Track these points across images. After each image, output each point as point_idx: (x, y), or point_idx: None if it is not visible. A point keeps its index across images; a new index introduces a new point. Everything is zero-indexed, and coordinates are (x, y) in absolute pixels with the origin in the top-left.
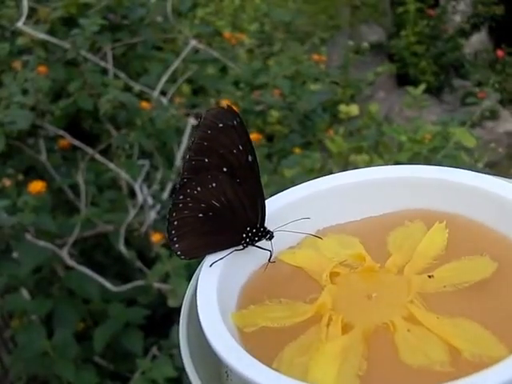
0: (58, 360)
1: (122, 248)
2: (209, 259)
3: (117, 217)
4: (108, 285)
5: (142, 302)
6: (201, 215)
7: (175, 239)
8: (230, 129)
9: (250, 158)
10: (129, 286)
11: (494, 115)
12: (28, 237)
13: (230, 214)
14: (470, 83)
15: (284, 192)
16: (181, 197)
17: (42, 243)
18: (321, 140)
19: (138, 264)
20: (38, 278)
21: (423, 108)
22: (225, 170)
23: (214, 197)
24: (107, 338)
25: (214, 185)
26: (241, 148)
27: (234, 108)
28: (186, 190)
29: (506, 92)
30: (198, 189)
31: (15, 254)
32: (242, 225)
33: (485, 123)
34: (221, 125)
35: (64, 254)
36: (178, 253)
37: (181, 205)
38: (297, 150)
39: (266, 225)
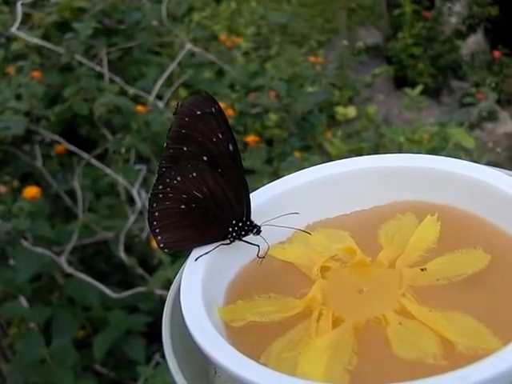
0: (56, 368)
1: (122, 255)
2: (194, 253)
3: (116, 223)
4: (108, 292)
5: (143, 308)
6: (183, 207)
7: (157, 231)
8: (209, 116)
9: (230, 147)
10: (129, 292)
11: (492, 116)
12: (25, 244)
13: (213, 206)
14: (467, 84)
15: (270, 184)
16: (160, 187)
17: (39, 250)
18: (320, 143)
19: (140, 271)
20: (36, 285)
21: (422, 110)
22: (205, 158)
23: (196, 187)
24: (108, 345)
25: (194, 174)
26: (220, 136)
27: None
28: (165, 179)
29: (504, 93)
30: (178, 178)
31: (12, 261)
32: (228, 218)
33: (484, 125)
34: (199, 112)
35: (62, 261)
36: (161, 245)
37: (161, 195)
38: (296, 154)
39: (252, 218)
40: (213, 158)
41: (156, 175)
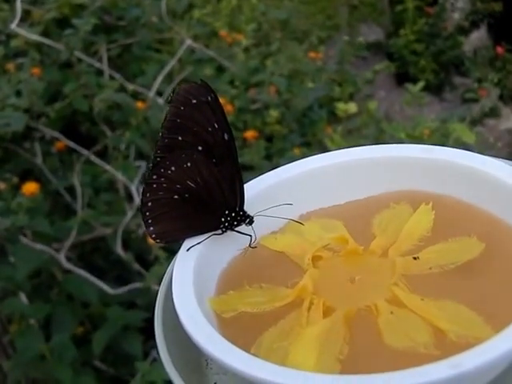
0: (55, 364)
1: (120, 250)
2: (186, 244)
3: (114, 219)
4: (106, 287)
5: (141, 304)
6: (176, 197)
7: (150, 221)
8: (204, 105)
9: (225, 137)
10: (127, 288)
11: (494, 112)
12: (24, 240)
13: (206, 196)
14: (470, 81)
15: (264, 175)
16: (154, 176)
17: (38, 246)
18: (320, 140)
19: (136, 266)
20: (36, 281)
21: (423, 106)
22: (200, 148)
23: (190, 177)
24: (106, 341)
25: (188, 164)
26: (216, 126)
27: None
28: (159, 169)
29: (507, 89)
30: (172, 168)
31: (12, 258)
32: (220, 208)
33: (486, 121)
34: (194, 101)
35: (61, 257)
36: (153, 236)
37: (155, 185)
38: (296, 151)
39: (245, 209)
40: (208, 147)
41: (150, 165)
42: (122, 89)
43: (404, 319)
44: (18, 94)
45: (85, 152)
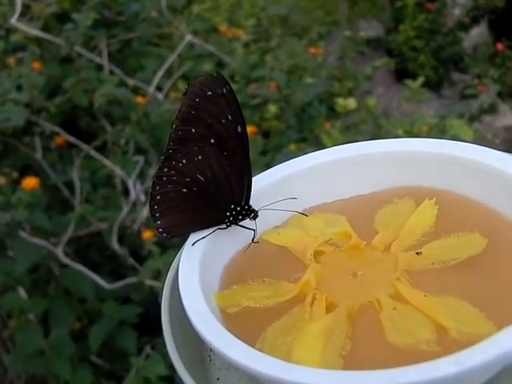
0: (54, 359)
1: (115, 245)
2: (191, 238)
3: (110, 214)
4: (102, 282)
5: (135, 299)
6: (185, 190)
7: (157, 215)
8: (219, 97)
9: (239, 129)
10: (121, 283)
11: (492, 109)
12: (23, 234)
13: (214, 190)
14: (469, 77)
15: (268, 171)
16: (165, 169)
17: (36, 241)
18: (317, 135)
19: (131, 261)
20: (34, 276)
21: (422, 102)
22: (212, 141)
23: (200, 170)
24: (102, 336)
25: (199, 157)
26: (230, 118)
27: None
28: (171, 162)
29: (506, 86)
30: (184, 161)
31: (11, 253)
32: (227, 202)
33: (484, 118)
34: (209, 93)
35: (59, 251)
36: (160, 230)
37: (165, 178)
38: (292, 146)
39: (250, 203)
40: (220, 140)
41: (162, 157)
42: (122, 84)
43: (406, 315)
44: (19, 88)
45: (84, 147)
